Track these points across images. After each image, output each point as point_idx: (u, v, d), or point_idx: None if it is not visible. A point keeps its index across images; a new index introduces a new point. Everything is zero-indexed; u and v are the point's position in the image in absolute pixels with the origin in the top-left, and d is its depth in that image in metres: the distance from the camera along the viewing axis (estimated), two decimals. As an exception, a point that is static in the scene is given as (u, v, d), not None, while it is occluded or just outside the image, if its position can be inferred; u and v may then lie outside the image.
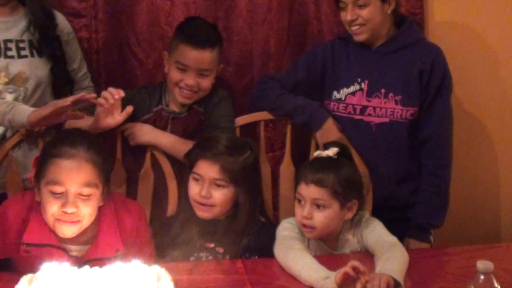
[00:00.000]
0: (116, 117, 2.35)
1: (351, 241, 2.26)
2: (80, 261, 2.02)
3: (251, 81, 2.97)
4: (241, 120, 2.67)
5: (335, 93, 2.70)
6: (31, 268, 1.98)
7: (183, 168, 2.47)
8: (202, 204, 2.26)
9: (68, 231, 2.03)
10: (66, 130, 2.24)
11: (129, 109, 2.36)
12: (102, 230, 2.10)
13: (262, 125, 2.71)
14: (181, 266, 2.13)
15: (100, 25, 2.91)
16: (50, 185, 1.98)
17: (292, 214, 2.49)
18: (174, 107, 2.64)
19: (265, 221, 2.40)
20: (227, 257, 2.26)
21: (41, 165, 2.04)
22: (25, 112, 2.30)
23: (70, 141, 2.03)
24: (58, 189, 1.98)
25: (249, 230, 2.27)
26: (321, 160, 2.25)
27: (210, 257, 2.28)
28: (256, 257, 2.24)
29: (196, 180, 2.28)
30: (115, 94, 2.29)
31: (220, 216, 2.30)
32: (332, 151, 2.25)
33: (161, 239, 2.31)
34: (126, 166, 2.58)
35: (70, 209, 1.97)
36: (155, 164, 2.58)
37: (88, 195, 2.01)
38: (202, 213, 2.27)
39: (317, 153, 2.30)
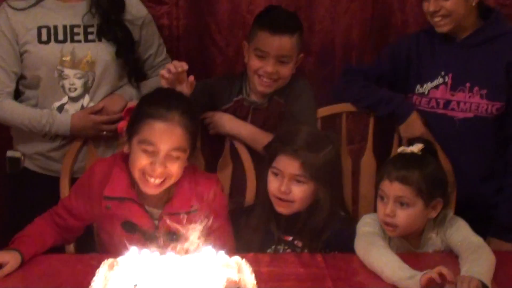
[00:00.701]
0: (183, 90, 2.30)
1: (434, 240, 2.19)
2: (158, 220, 2.12)
3: (332, 72, 2.93)
4: (322, 112, 2.62)
5: (418, 87, 2.63)
6: (111, 237, 2.12)
7: (261, 159, 2.46)
8: (281, 200, 2.22)
9: (154, 188, 2.10)
10: (162, 90, 2.25)
11: (191, 79, 2.31)
12: (178, 190, 2.15)
13: (344, 117, 2.66)
14: (259, 258, 2.11)
15: (181, 12, 2.91)
16: (143, 144, 2.05)
17: (372, 209, 2.46)
18: (255, 98, 2.60)
19: (345, 216, 2.35)
20: (306, 251, 2.22)
21: (136, 121, 2.09)
22: (66, 122, 2.48)
23: (167, 103, 2.08)
24: (150, 148, 2.04)
25: (329, 225, 2.22)
26: (406, 157, 2.18)
27: (288, 250, 2.25)
28: (336, 252, 2.20)
29: (276, 174, 2.24)
30: (178, 66, 2.27)
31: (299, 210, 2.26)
32: (417, 147, 2.19)
33: (238, 229, 2.29)
34: (205, 155, 2.57)
35: (159, 168, 2.04)
36: (234, 154, 2.57)
37: (177, 157, 2.07)
38: (281, 209, 2.24)
39: (401, 149, 2.24)
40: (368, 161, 2.65)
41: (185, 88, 2.30)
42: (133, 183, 2.13)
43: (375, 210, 2.29)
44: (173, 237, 1.99)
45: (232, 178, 2.57)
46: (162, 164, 2.05)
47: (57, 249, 2.28)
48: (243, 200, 2.52)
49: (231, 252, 1.91)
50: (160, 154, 2.04)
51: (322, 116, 2.62)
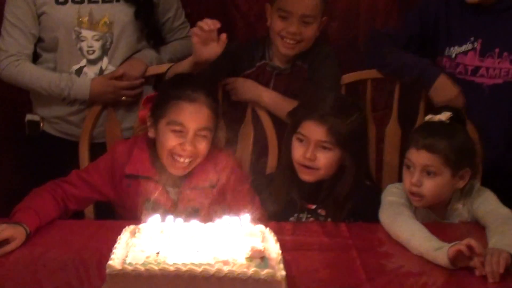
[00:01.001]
0: (215, 48, 2.26)
1: (461, 211, 2.14)
2: (175, 196, 2.17)
3: (356, 37, 2.87)
4: (346, 78, 2.56)
5: (447, 49, 2.56)
6: (132, 213, 2.11)
7: (284, 126, 2.40)
8: (306, 167, 2.17)
9: (181, 167, 2.14)
10: (183, 75, 2.28)
11: (223, 36, 2.26)
12: (197, 167, 2.17)
13: (369, 83, 2.59)
14: (282, 226, 2.07)
15: (202, -25, 2.83)
16: (172, 125, 2.10)
17: (396, 178, 2.44)
18: (278, 63, 2.54)
19: (371, 185, 2.30)
20: (329, 220, 2.18)
21: (162, 104, 2.14)
22: (85, 86, 2.46)
23: (192, 85, 2.14)
24: (178, 128, 2.10)
25: (354, 194, 2.17)
26: (433, 125, 2.12)
27: (311, 219, 2.21)
28: (360, 221, 2.16)
29: (301, 141, 2.19)
30: (210, 24, 2.22)
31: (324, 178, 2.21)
32: (445, 116, 2.12)
33: (260, 196, 2.25)
34: (226, 122, 2.52)
35: (189, 147, 2.10)
36: (255, 121, 2.52)
37: (204, 136, 2.13)
38: (305, 176, 2.19)
39: (428, 117, 2.17)
40: (393, 129, 2.60)
41: (216, 47, 2.26)
42: (153, 163, 2.18)
43: (399, 179, 2.26)
44: (194, 214, 2.07)
45: (254, 144, 2.53)
46: (192, 143, 2.10)
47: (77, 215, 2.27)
48: (265, 167, 2.49)
49: (261, 220, 1.89)
50: (189, 134, 2.10)
51: (346, 83, 2.56)
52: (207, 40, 2.24)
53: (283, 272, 1.56)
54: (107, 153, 2.30)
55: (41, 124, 2.61)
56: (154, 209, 2.03)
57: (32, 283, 1.69)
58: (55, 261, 1.79)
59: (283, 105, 2.41)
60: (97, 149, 2.48)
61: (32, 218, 1.95)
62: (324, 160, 2.15)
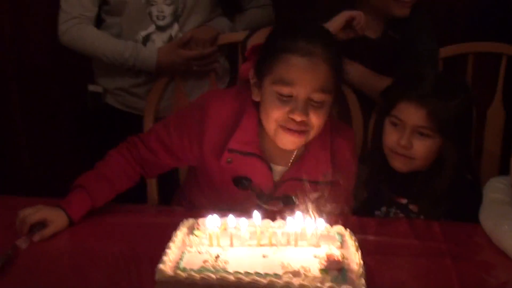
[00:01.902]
0: None
1: None
2: (279, 181, 1.83)
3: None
4: (444, 52, 2.24)
5: None
6: (218, 192, 1.84)
7: (371, 105, 2.17)
8: (400, 155, 1.88)
9: (291, 141, 1.75)
10: (297, 21, 1.86)
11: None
12: (310, 150, 1.81)
13: (471, 58, 2.27)
14: (364, 223, 1.81)
15: None
16: (279, 85, 1.68)
17: (498, 168, 2.25)
18: (366, 31, 2.21)
19: (471, 179, 1.98)
20: (422, 217, 1.90)
21: (268, 58, 1.72)
22: (152, 56, 2.25)
23: (307, 34, 1.71)
24: (287, 90, 1.68)
25: (453, 190, 1.87)
26: None
27: (401, 215, 1.93)
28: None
29: (395, 125, 1.88)
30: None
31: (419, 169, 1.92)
32: None
33: None
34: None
35: (299, 117, 1.67)
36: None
37: (321, 102, 1.70)
38: (398, 164, 1.89)
39: None
40: (496, 111, 2.32)
41: None
42: (260, 134, 1.81)
43: (502, 170, 2.01)
44: (290, 202, 1.69)
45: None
46: (304, 111, 1.67)
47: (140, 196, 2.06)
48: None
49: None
50: (300, 99, 1.67)
51: (443, 57, 2.25)
52: None
53: (364, 290, 1.30)
54: (197, 108, 1.85)
55: (103, 96, 2.43)
56: (248, 188, 1.79)
57: (74, 281, 1.50)
58: (103, 255, 1.59)
59: (372, 81, 2.14)
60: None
61: (81, 201, 1.72)
62: (422, 148, 1.85)
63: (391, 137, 1.88)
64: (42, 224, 1.62)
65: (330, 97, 1.71)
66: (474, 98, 1.94)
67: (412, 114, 1.84)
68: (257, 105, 1.79)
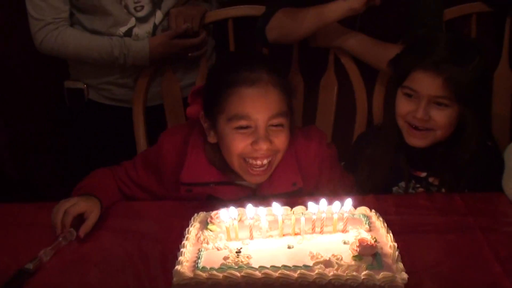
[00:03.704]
0: None
1: None
2: (251, 194, 1.74)
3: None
4: (448, 14, 2.11)
5: None
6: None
7: (373, 76, 2.04)
8: (416, 129, 1.75)
9: (261, 175, 1.68)
10: (233, 53, 1.87)
11: None
12: (280, 163, 1.72)
13: (474, 18, 2.15)
14: (382, 201, 1.70)
15: None
16: (235, 120, 1.62)
17: (508, 132, 2.15)
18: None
19: (492, 145, 1.87)
20: (443, 190, 1.78)
21: (215, 96, 1.66)
22: (144, 51, 2.08)
23: (249, 63, 1.66)
24: (245, 123, 1.62)
25: (476, 159, 1.75)
26: None
27: (421, 189, 1.82)
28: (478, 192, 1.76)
29: (409, 96, 1.74)
30: None
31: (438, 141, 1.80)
32: None
33: (353, 159, 1.90)
34: (303, 73, 2.15)
35: (264, 145, 1.62)
36: (339, 71, 2.13)
37: (280, 125, 1.65)
38: (415, 140, 1.76)
39: None
40: (503, 73, 2.19)
41: None
42: (212, 163, 1.74)
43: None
44: None
45: (338, 100, 2.15)
46: (266, 139, 1.62)
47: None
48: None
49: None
50: (260, 128, 1.62)
51: (446, 20, 2.11)
52: None
53: (405, 275, 1.19)
54: (154, 151, 1.83)
55: (86, 92, 2.25)
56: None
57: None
58: (109, 258, 1.47)
59: (375, 49, 2.00)
60: (153, 113, 2.17)
61: (101, 192, 1.67)
62: (441, 119, 1.71)
63: (405, 110, 1.74)
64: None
65: (288, 118, 1.68)
66: (490, 58, 1.82)
67: (427, 83, 1.69)
68: (204, 138, 1.74)
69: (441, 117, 1.70)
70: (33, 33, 2.11)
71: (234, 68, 1.66)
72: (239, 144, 1.63)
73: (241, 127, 1.62)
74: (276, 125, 1.63)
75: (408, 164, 1.81)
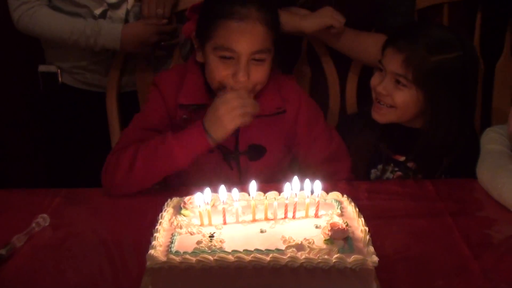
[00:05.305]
0: None
1: None
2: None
3: None
4: (419, 3, 2.13)
5: None
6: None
7: (345, 63, 2.06)
8: (380, 105, 1.83)
9: None
10: None
11: None
12: (261, 92, 1.81)
13: (446, 8, 2.17)
14: (355, 186, 1.75)
15: None
16: (219, 50, 1.74)
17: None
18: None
19: (471, 134, 1.90)
20: (420, 176, 1.83)
21: (206, 24, 1.76)
22: (116, 33, 2.06)
23: None
24: (228, 54, 1.73)
25: (453, 146, 1.80)
26: None
27: (399, 173, 1.86)
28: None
29: (381, 70, 1.83)
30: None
31: (406, 122, 1.85)
32: None
33: None
34: (277, 60, 2.13)
35: (242, 78, 1.73)
36: (313, 58, 2.14)
37: (261, 60, 1.75)
38: (376, 115, 1.84)
39: None
40: (503, 65, 2.22)
41: None
42: (210, 89, 1.82)
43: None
44: (257, 153, 1.82)
45: (311, 87, 2.17)
46: (246, 72, 1.72)
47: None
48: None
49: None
50: (241, 60, 1.72)
51: (419, 9, 2.14)
52: None
53: (375, 258, 1.21)
54: (152, 90, 1.90)
55: (60, 76, 2.23)
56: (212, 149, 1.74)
57: (53, 275, 1.37)
58: (83, 244, 1.47)
59: (348, 38, 2.00)
60: (127, 99, 2.17)
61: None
62: (399, 98, 1.79)
63: (373, 81, 1.84)
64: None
65: (270, 54, 1.77)
66: (474, 55, 1.87)
67: (391, 59, 1.79)
68: (200, 64, 1.83)
69: (399, 96, 1.78)
70: (11, 12, 2.11)
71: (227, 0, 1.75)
72: (220, 72, 1.74)
73: (225, 57, 1.72)
74: (257, 60, 1.73)
75: (389, 148, 1.85)
